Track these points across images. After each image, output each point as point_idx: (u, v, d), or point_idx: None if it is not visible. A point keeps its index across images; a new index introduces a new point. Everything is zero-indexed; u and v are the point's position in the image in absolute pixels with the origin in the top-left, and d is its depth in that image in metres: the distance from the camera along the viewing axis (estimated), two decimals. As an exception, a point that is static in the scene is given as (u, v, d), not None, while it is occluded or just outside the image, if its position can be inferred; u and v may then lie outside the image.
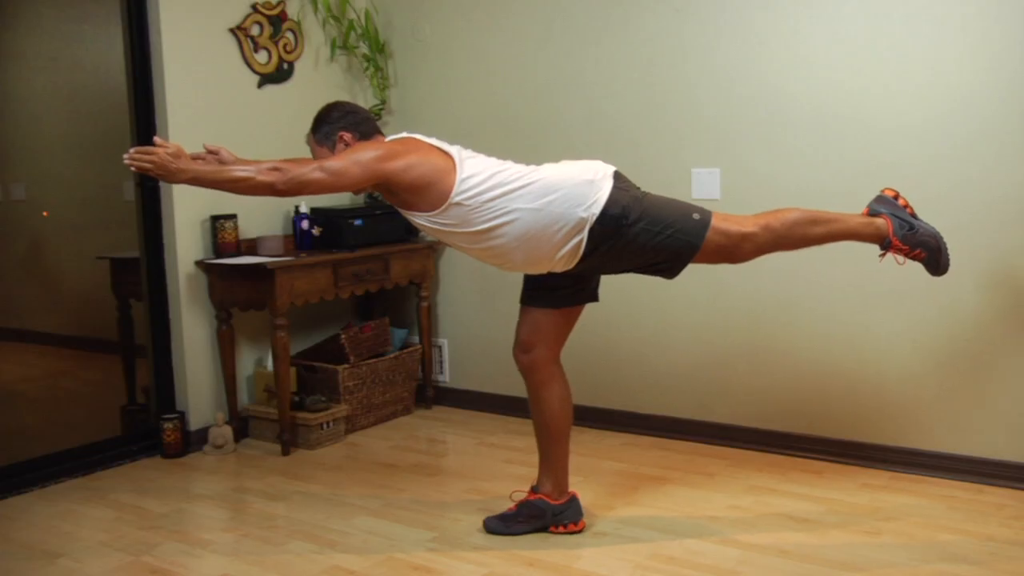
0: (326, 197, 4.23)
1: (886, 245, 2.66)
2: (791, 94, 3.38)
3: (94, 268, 4.38)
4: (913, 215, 2.70)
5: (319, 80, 4.21)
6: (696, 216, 2.59)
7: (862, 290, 3.31)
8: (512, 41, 4.02)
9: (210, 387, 3.86)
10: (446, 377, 4.42)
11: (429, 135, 4.54)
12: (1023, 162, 3.00)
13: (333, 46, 4.23)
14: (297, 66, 4.11)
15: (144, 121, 3.67)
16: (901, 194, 2.73)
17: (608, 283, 3.81)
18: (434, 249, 4.31)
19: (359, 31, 4.27)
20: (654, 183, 3.68)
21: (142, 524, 3.03)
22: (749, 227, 2.60)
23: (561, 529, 2.83)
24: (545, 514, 2.83)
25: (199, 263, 3.76)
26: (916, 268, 3.19)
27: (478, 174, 2.56)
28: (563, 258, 2.60)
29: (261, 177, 2.46)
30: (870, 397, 3.34)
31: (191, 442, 3.77)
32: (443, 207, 2.54)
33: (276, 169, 2.47)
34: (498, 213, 2.54)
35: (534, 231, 2.54)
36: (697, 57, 3.55)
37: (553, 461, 2.85)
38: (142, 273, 3.77)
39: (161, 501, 3.24)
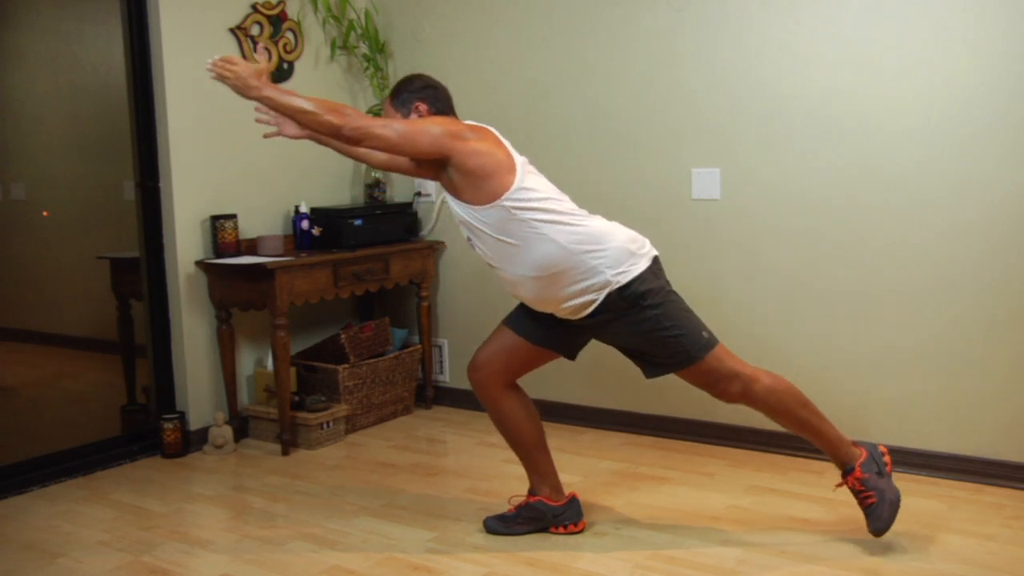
0: (325, 197, 4.23)
1: (848, 471, 2.65)
2: (791, 94, 3.38)
3: (94, 268, 4.38)
4: (889, 472, 2.67)
5: (319, 80, 4.21)
6: (705, 335, 2.61)
7: (863, 290, 3.31)
8: (512, 41, 4.02)
9: (210, 387, 3.86)
10: (446, 377, 4.42)
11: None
12: (1023, 163, 3.00)
13: (333, 46, 4.23)
14: (297, 66, 4.11)
15: (144, 121, 3.67)
16: (888, 453, 2.73)
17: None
18: (434, 249, 4.31)
19: (359, 31, 4.27)
20: (654, 183, 3.70)
21: (142, 524, 3.03)
22: (746, 370, 2.63)
23: (561, 530, 2.83)
24: (545, 516, 2.83)
25: (199, 263, 3.76)
26: (916, 269, 3.20)
27: (536, 190, 2.55)
28: (569, 309, 2.60)
29: (329, 116, 2.44)
30: (870, 397, 3.34)
31: (191, 442, 3.77)
32: (489, 205, 2.52)
33: (346, 114, 2.45)
34: (535, 235, 2.52)
35: (558, 270, 2.53)
36: (697, 57, 3.55)
37: (540, 467, 2.85)
38: (142, 273, 3.77)
39: (161, 501, 3.24)
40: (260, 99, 2.50)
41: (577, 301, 2.57)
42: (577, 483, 3.16)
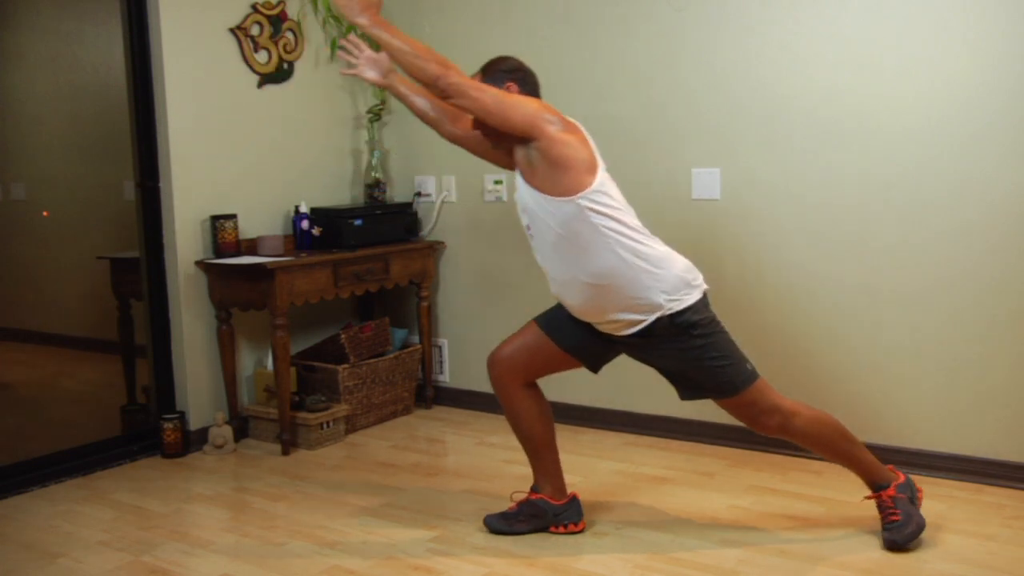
0: (325, 197, 4.23)
1: (882, 487, 2.68)
2: (791, 94, 3.38)
3: (94, 268, 4.38)
4: (919, 505, 2.71)
5: (319, 80, 4.21)
6: (749, 367, 2.61)
7: (863, 291, 3.31)
8: (512, 41, 4.01)
9: (210, 387, 3.86)
10: (446, 377, 4.42)
11: (430, 135, 4.55)
12: (1023, 163, 3.00)
13: (333, 46, 4.23)
14: (297, 66, 4.11)
15: (144, 121, 3.67)
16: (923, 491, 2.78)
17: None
18: (434, 249, 4.32)
19: (359, 31, 4.26)
20: (654, 183, 3.70)
21: (142, 524, 3.03)
22: (785, 404, 2.63)
23: (561, 529, 2.83)
24: (546, 514, 2.83)
25: (199, 263, 3.75)
26: (916, 269, 3.20)
27: (612, 197, 2.52)
28: (613, 324, 2.58)
29: (430, 63, 2.40)
30: (870, 397, 3.34)
31: (191, 442, 3.77)
32: (562, 198, 2.48)
33: (448, 67, 2.41)
34: (600, 241, 2.49)
35: (613, 283, 2.51)
36: (697, 57, 3.55)
37: (547, 466, 2.84)
38: (142, 273, 3.77)
39: (161, 501, 3.24)
40: (366, 26, 2.45)
41: (624, 317, 2.55)
42: (577, 483, 3.16)
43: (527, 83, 2.66)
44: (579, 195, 2.47)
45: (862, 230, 3.29)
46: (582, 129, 2.59)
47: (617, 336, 2.63)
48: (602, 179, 2.51)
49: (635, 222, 2.57)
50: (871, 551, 2.64)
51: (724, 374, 2.58)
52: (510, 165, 2.71)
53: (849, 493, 3.08)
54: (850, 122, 3.27)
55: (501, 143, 2.62)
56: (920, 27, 3.11)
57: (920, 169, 3.16)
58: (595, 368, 2.83)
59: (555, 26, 3.87)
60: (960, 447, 3.19)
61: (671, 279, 2.53)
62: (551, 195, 2.49)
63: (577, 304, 2.63)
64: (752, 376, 2.61)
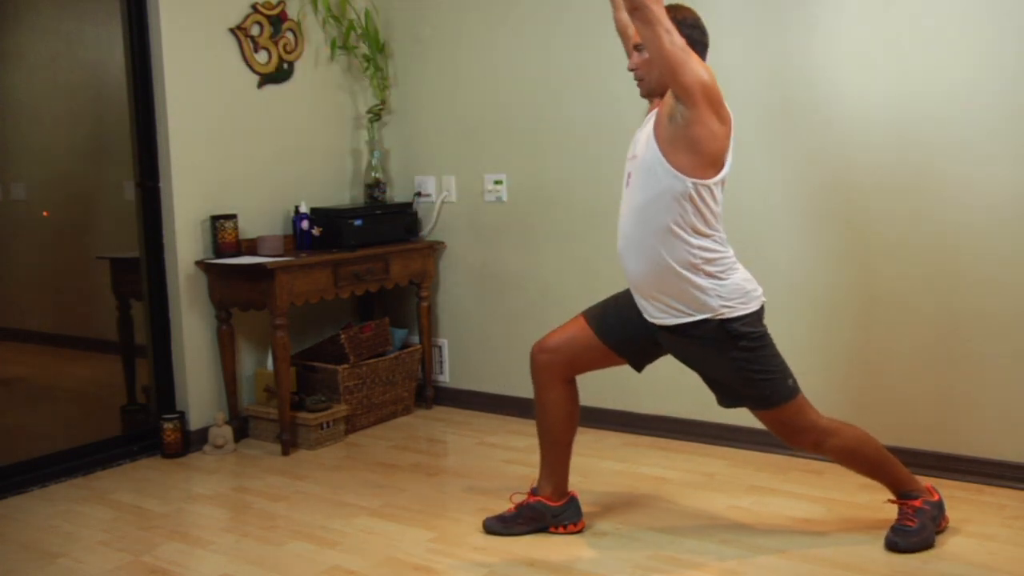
0: (325, 197, 4.23)
1: (912, 496, 2.68)
2: (792, 94, 3.38)
3: (94, 268, 4.39)
4: (940, 531, 2.72)
5: (319, 80, 4.21)
6: (791, 383, 2.59)
7: (863, 290, 3.31)
8: (512, 41, 4.02)
9: (210, 387, 3.86)
10: (446, 377, 4.42)
11: (429, 135, 4.55)
12: (1023, 163, 3.00)
13: (333, 46, 4.23)
14: (297, 66, 4.11)
15: (144, 121, 3.67)
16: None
17: (605, 283, 3.81)
18: (434, 249, 4.32)
19: (359, 31, 4.27)
20: (654, 183, 3.69)
21: (142, 524, 3.03)
22: (821, 422, 2.62)
23: (561, 529, 2.83)
24: (544, 516, 2.83)
25: (199, 263, 3.75)
26: (917, 269, 3.20)
27: (716, 201, 2.48)
28: (659, 305, 2.56)
29: None
30: (870, 397, 3.34)
31: (191, 442, 3.77)
32: (677, 169, 2.43)
33: None
34: (680, 227, 2.46)
35: (673, 270, 2.48)
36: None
37: (553, 464, 2.84)
38: (142, 273, 3.77)
39: (161, 501, 3.24)
40: None
41: (673, 303, 2.53)
42: (577, 483, 3.15)
43: (695, 43, 2.52)
44: (689, 179, 2.43)
45: (862, 230, 3.29)
46: (731, 126, 2.51)
47: (660, 325, 2.59)
48: (719, 180, 2.48)
49: (721, 228, 2.53)
50: (871, 551, 2.64)
51: (764, 387, 2.56)
52: (644, 92, 2.63)
53: (849, 493, 3.08)
54: (849, 122, 3.26)
55: (658, 83, 2.53)
56: (920, 27, 3.11)
57: (920, 169, 3.15)
58: (639, 366, 2.82)
59: (555, 26, 3.87)
60: (960, 447, 3.19)
61: (730, 286, 2.51)
62: (669, 161, 2.44)
63: (634, 270, 2.59)
64: (791, 393, 2.58)
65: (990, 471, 3.14)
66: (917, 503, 2.67)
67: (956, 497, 3.03)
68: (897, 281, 3.24)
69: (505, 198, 4.12)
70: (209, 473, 3.55)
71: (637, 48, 2.57)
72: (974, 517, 2.86)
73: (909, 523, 2.64)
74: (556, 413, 2.80)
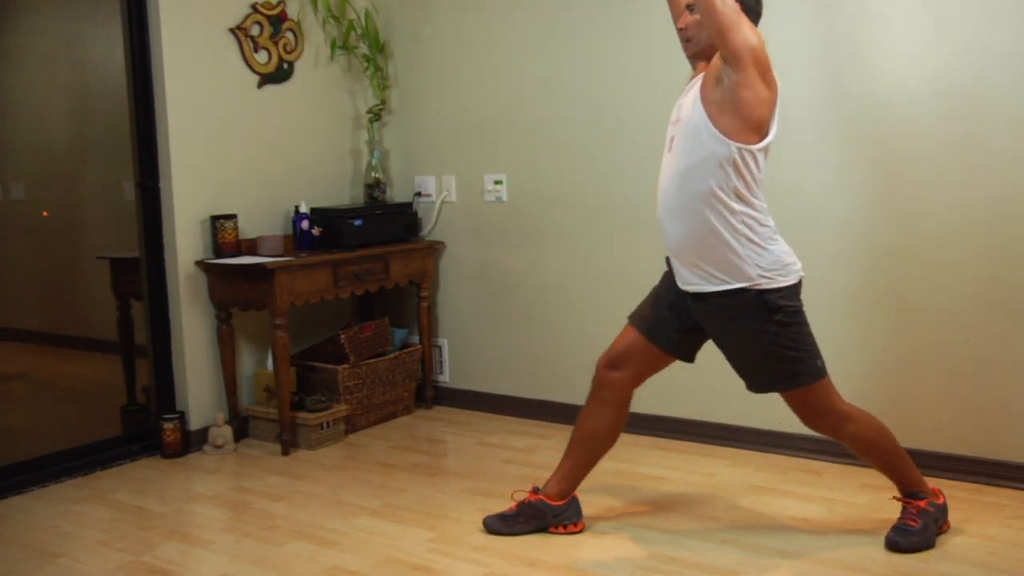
0: (325, 197, 4.23)
1: (919, 496, 2.67)
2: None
3: (94, 268, 4.39)
4: (940, 533, 2.71)
5: (319, 80, 4.21)
6: (819, 363, 2.57)
7: (862, 290, 3.31)
8: (512, 41, 4.02)
9: (210, 387, 3.86)
10: (446, 377, 4.42)
11: (429, 135, 4.54)
12: (1023, 163, 3.00)
13: (333, 46, 4.23)
14: (297, 66, 4.11)
15: (144, 121, 3.67)
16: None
17: (605, 283, 3.82)
18: (434, 249, 4.32)
19: (359, 31, 4.27)
20: (654, 182, 3.68)
21: (142, 524, 3.03)
22: (843, 407, 2.61)
23: (561, 529, 2.83)
24: (545, 515, 2.83)
25: (199, 263, 3.75)
26: (917, 269, 3.20)
27: (759, 167, 2.46)
28: (697, 271, 2.53)
29: None
30: (870, 397, 3.33)
31: (191, 442, 3.77)
32: (721, 132, 2.41)
33: None
34: (724, 193, 2.44)
35: (714, 236, 2.47)
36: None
37: (574, 470, 2.83)
38: (142, 273, 3.77)
39: (161, 501, 3.24)
40: None
41: (711, 270, 2.50)
42: (577, 483, 3.16)
43: (752, 10, 2.52)
44: (734, 143, 2.41)
45: (862, 229, 3.29)
46: (777, 93, 2.48)
47: (695, 292, 2.57)
48: (763, 147, 2.46)
49: (762, 196, 2.51)
50: (871, 551, 2.64)
51: (793, 364, 2.53)
52: (690, 53, 2.62)
53: (849, 493, 3.08)
54: (851, 122, 3.26)
55: (706, 44, 2.53)
56: (920, 27, 3.11)
57: (920, 169, 3.15)
58: (690, 358, 2.80)
59: (556, 26, 3.87)
60: (960, 447, 3.19)
61: (769, 256, 2.49)
62: (715, 124, 2.43)
63: (673, 235, 2.57)
64: (818, 374, 2.56)
65: (990, 471, 3.13)
66: (922, 504, 2.66)
67: (956, 497, 3.02)
68: (897, 280, 3.24)
69: (505, 198, 4.12)
70: (209, 473, 3.55)
71: (689, 8, 2.56)
72: (974, 517, 2.86)
73: (912, 523, 2.64)
74: (605, 430, 2.80)
